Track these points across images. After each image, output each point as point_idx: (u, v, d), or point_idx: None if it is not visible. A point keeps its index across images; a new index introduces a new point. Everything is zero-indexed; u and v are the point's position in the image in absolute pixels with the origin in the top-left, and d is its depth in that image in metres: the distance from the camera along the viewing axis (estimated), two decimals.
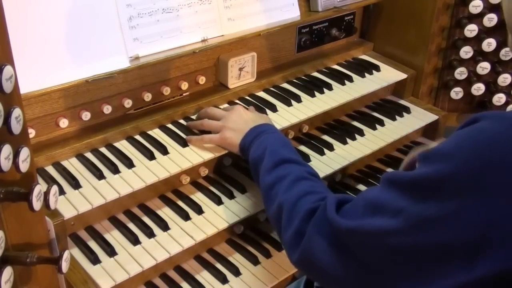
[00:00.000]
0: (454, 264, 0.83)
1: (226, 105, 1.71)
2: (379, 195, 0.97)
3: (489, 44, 1.92)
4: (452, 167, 0.83)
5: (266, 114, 1.66)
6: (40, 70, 1.35)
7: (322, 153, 1.69)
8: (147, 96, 1.60)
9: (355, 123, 1.88)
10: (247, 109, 1.60)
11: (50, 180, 1.36)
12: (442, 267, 0.85)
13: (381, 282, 0.96)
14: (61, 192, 1.32)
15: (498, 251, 0.79)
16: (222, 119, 1.53)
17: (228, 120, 1.51)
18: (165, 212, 1.45)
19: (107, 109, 1.53)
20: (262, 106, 1.72)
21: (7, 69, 0.82)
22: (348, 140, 1.76)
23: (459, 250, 0.83)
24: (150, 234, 1.36)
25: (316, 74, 1.96)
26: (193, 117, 1.65)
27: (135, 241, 1.34)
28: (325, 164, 1.65)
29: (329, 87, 1.87)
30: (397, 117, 1.92)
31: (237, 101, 1.75)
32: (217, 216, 1.44)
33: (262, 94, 1.81)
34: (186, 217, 1.42)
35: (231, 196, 1.51)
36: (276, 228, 1.26)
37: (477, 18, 1.92)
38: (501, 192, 0.79)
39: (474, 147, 0.82)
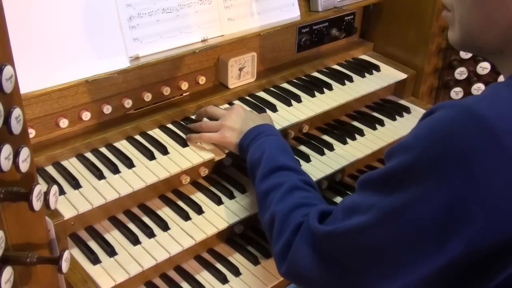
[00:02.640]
0: (426, 249, 0.87)
1: (226, 106, 1.71)
2: (354, 199, 1.01)
3: None
4: (413, 157, 0.87)
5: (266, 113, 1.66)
6: (40, 70, 1.35)
7: (322, 153, 1.69)
8: (147, 96, 1.60)
9: (355, 123, 1.88)
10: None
11: (50, 180, 1.36)
12: (416, 254, 0.89)
13: (362, 283, 0.98)
14: (61, 192, 1.32)
15: (464, 232, 0.83)
16: (221, 118, 1.53)
17: (227, 119, 1.51)
18: (165, 212, 1.45)
19: (107, 109, 1.53)
20: (262, 106, 1.72)
21: (7, 69, 0.81)
22: (348, 140, 1.76)
23: (429, 234, 0.87)
24: (150, 234, 1.37)
25: (316, 74, 1.96)
26: (193, 117, 1.65)
27: (135, 241, 1.34)
28: (325, 164, 1.65)
29: (329, 87, 1.87)
30: (397, 117, 1.92)
31: (237, 101, 1.75)
32: (217, 216, 1.44)
33: (262, 94, 1.81)
34: (186, 217, 1.42)
35: (231, 196, 1.51)
36: (268, 237, 1.27)
37: None
38: (460, 173, 0.82)
39: (431, 136, 0.86)
